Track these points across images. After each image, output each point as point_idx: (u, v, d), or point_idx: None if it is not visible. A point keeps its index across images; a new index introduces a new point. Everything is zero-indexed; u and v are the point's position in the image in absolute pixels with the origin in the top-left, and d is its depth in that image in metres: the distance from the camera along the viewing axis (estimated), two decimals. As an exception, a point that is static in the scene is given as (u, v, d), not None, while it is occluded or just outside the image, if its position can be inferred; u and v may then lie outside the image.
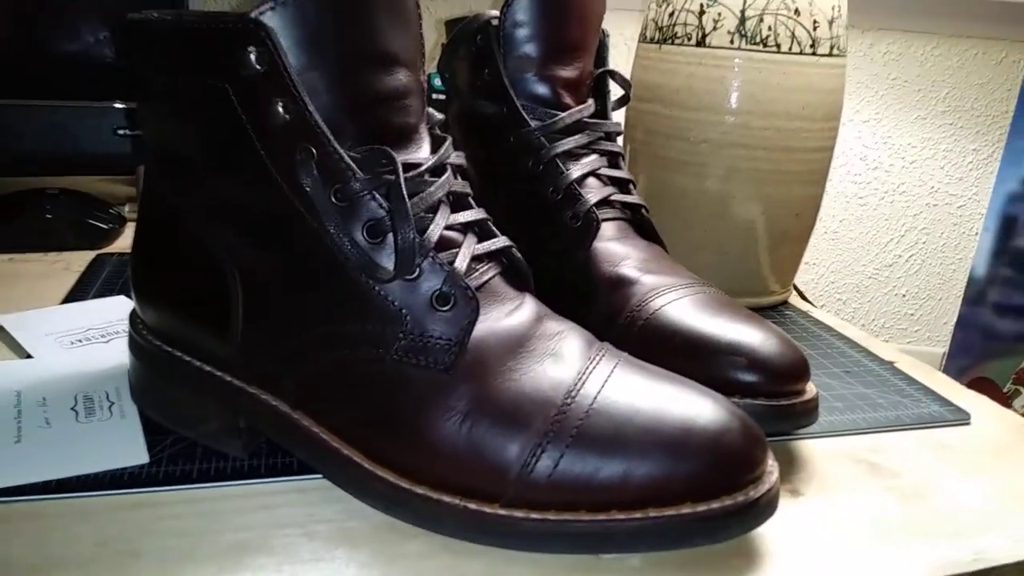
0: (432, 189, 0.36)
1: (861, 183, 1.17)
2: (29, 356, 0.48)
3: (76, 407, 0.42)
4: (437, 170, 0.37)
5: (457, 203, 0.38)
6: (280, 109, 0.33)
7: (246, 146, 0.34)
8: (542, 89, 0.49)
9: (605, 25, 0.53)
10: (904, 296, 1.23)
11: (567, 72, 0.49)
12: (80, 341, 0.50)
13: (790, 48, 0.56)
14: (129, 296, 0.57)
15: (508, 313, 0.37)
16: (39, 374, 0.45)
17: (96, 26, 0.72)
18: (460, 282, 0.35)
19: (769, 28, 0.56)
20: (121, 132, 0.74)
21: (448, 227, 0.37)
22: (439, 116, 0.41)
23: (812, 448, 0.44)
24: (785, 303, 0.67)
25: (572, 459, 0.32)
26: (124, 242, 0.70)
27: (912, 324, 1.25)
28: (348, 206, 0.34)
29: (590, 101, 0.51)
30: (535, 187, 0.48)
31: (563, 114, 0.49)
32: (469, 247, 0.37)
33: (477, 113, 0.49)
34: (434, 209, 0.36)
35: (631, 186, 0.51)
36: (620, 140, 0.54)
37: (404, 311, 0.34)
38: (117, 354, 0.48)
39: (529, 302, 0.38)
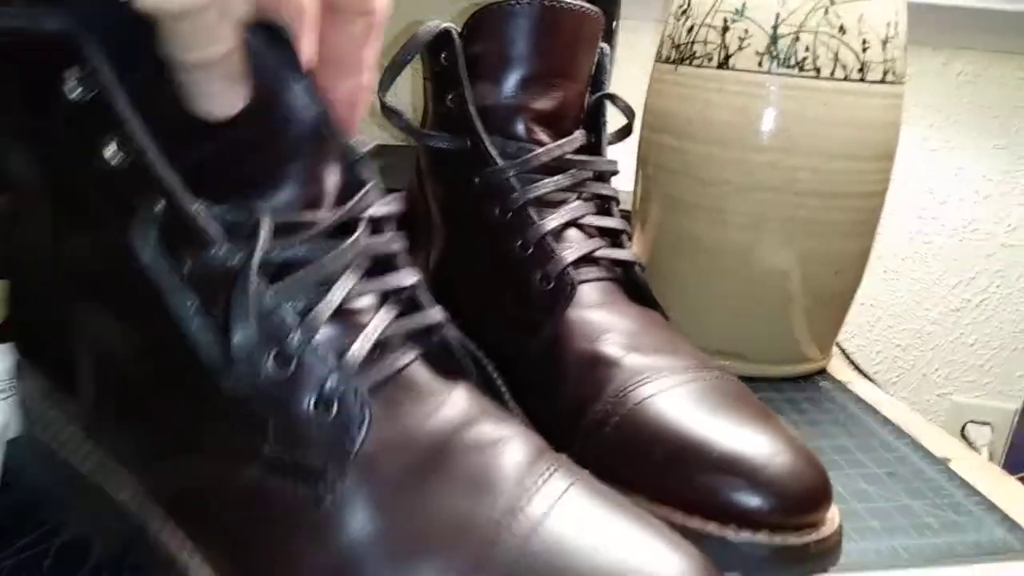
0: (332, 255, 0.27)
1: (926, 219, 1.04)
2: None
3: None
4: (343, 228, 0.28)
5: (378, 265, 0.30)
6: (112, 149, 0.25)
7: (79, 193, 0.27)
8: (512, 123, 0.40)
9: (628, 40, 0.44)
10: (972, 345, 1.10)
11: (544, 103, 0.40)
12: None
13: (832, 73, 0.46)
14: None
15: (425, 417, 0.28)
16: None
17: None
18: (351, 382, 0.26)
19: (807, 48, 0.46)
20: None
21: (352, 301, 0.28)
22: (367, 145, 0.31)
23: (833, 591, 0.34)
24: (823, 371, 0.56)
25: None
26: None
27: (981, 376, 1.12)
28: (201, 284, 0.26)
29: (577, 134, 0.42)
30: (501, 241, 0.40)
31: (540, 150, 0.40)
32: (379, 326, 0.28)
33: (434, 147, 0.41)
34: (332, 281, 0.27)
35: (624, 237, 0.42)
36: (621, 180, 0.45)
37: (269, 420, 0.26)
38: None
39: (459, 398, 0.29)
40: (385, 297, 0.29)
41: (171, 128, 0.25)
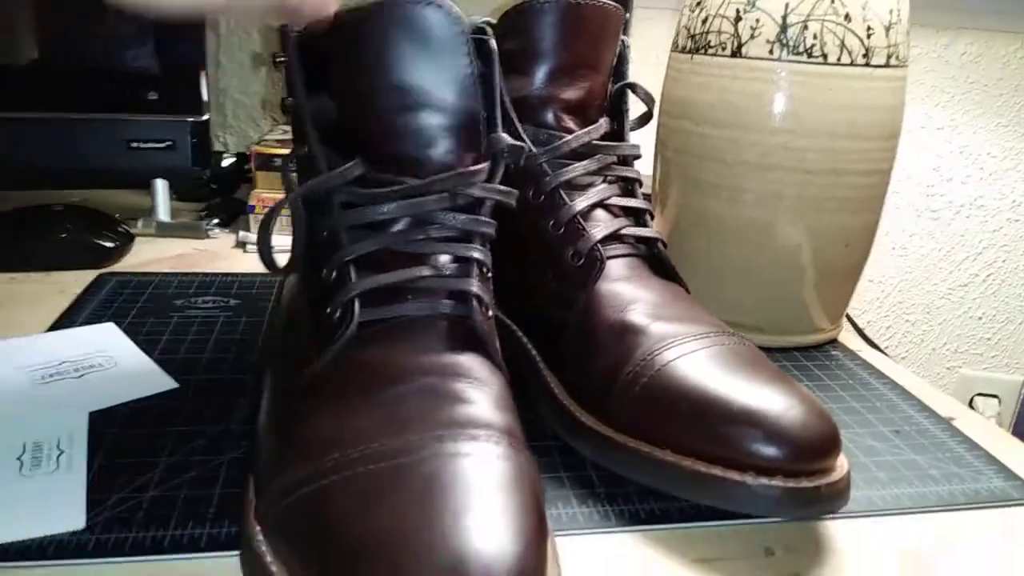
0: (381, 207, 0.35)
1: (934, 195, 1.07)
2: (-5, 392, 0.45)
3: (23, 456, 0.39)
4: (413, 193, 0.35)
5: (457, 236, 0.36)
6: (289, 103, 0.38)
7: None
8: (542, 112, 0.43)
9: (635, 29, 0.47)
10: (980, 319, 1.13)
11: (571, 93, 0.44)
12: (51, 376, 0.47)
13: (839, 59, 0.49)
14: (120, 323, 0.54)
15: (411, 357, 0.32)
16: (-5, 416, 0.42)
17: (109, 37, 0.70)
18: (349, 301, 0.33)
19: (815, 36, 0.49)
20: (135, 145, 0.71)
21: (409, 254, 0.35)
22: (511, 143, 0.37)
23: (842, 533, 0.37)
24: (834, 342, 0.60)
25: (299, 510, 0.28)
26: (131, 260, 0.67)
27: (989, 349, 1.14)
28: (308, 201, 0.37)
29: (602, 121, 0.46)
30: (535, 221, 0.43)
31: (569, 137, 0.43)
32: (407, 275, 0.34)
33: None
34: (378, 228, 0.35)
35: (647, 216, 0.45)
36: (642, 163, 0.48)
37: (310, 311, 0.36)
38: (85, 391, 0.45)
39: (457, 359, 0.33)
40: (445, 260, 0.35)
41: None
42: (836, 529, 0.37)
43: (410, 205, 0.35)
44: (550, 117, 0.44)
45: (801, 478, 0.35)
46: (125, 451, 0.40)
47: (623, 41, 0.47)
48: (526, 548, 0.25)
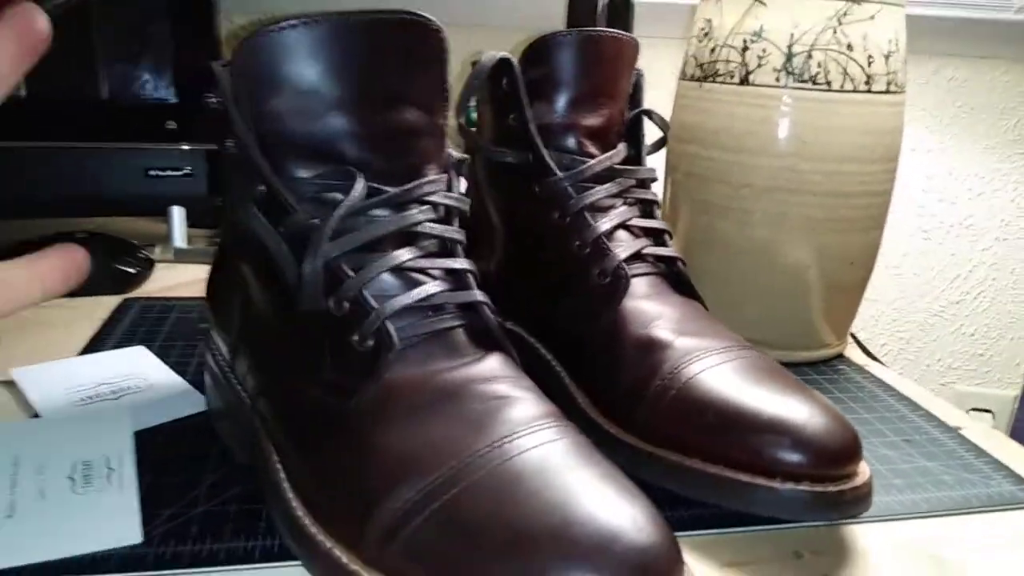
0: (387, 220, 0.35)
1: (925, 215, 1.10)
2: (37, 414, 0.46)
3: (73, 475, 0.40)
4: (405, 204, 0.35)
5: (440, 248, 0.37)
6: (231, 145, 0.36)
7: (224, 176, 0.38)
8: (565, 138, 0.46)
9: (644, 56, 0.49)
10: (972, 335, 1.16)
11: (593, 120, 0.46)
12: (90, 398, 0.48)
13: (842, 86, 0.52)
14: (149, 346, 0.55)
15: (453, 368, 0.34)
16: (41, 437, 0.43)
17: (126, 65, 0.72)
18: (383, 325, 0.33)
19: (819, 65, 0.52)
20: (153, 173, 0.73)
21: (411, 269, 0.35)
22: (457, 156, 0.38)
23: (865, 536, 0.39)
24: (840, 356, 0.62)
25: (431, 532, 0.29)
26: (151, 286, 0.69)
27: (981, 365, 1.17)
28: (290, 237, 0.34)
29: (620, 147, 0.48)
30: (562, 242, 0.45)
31: (592, 161, 0.46)
32: (424, 292, 0.35)
33: (500, 161, 0.46)
34: (385, 245, 0.35)
35: (666, 237, 0.48)
36: (656, 186, 0.50)
37: (328, 346, 0.34)
38: (124, 412, 0.46)
39: (490, 362, 0.35)
40: (440, 274, 0.36)
41: (269, 130, 0.35)
42: (860, 532, 0.39)
43: (401, 219, 0.35)
44: (572, 143, 0.46)
45: (827, 483, 0.37)
46: (170, 468, 0.41)
47: (638, 71, 0.50)
48: (653, 513, 0.29)
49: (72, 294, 0.63)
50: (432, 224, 0.36)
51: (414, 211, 0.35)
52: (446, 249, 0.37)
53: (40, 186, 0.70)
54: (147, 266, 0.69)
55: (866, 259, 0.59)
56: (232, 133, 0.35)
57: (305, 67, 0.33)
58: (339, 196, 0.34)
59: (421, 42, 0.34)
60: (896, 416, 0.52)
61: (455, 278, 0.36)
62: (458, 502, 0.29)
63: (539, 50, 0.45)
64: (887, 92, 0.53)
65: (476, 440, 0.31)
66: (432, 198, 0.36)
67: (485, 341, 0.37)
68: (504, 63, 0.44)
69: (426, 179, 0.36)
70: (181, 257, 0.75)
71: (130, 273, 0.67)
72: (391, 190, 0.35)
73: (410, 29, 0.34)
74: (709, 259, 0.58)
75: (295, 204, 0.34)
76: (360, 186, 0.33)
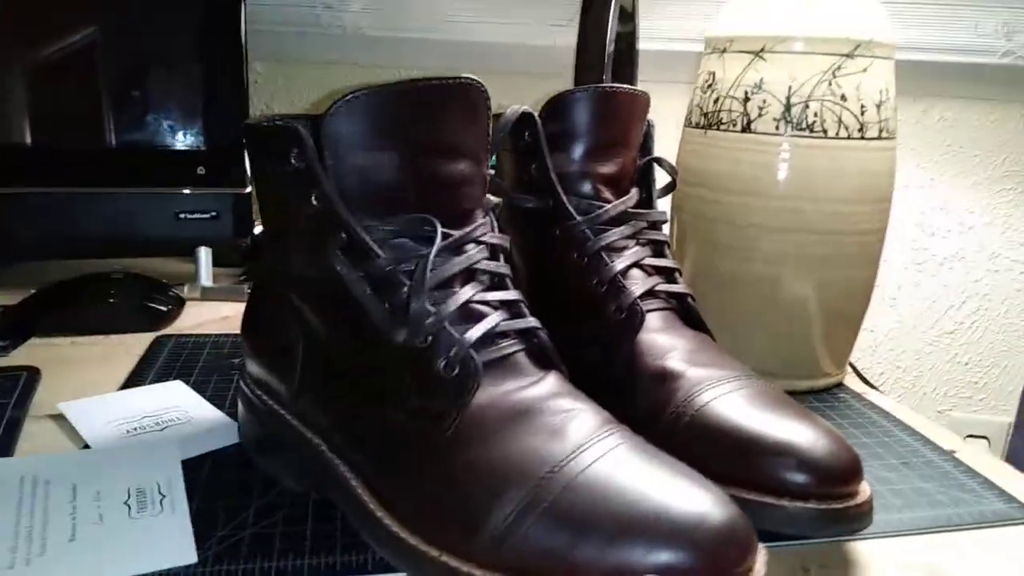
0: (456, 261, 0.39)
1: (918, 249, 1.14)
2: (86, 445, 0.49)
3: (129, 501, 0.43)
4: (463, 246, 0.40)
5: (493, 283, 0.41)
6: (314, 200, 0.38)
7: (301, 227, 0.40)
8: (582, 185, 0.50)
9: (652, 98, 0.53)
10: (967, 364, 1.19)
11: (607, 168, 0.50)
12: (136, 429, 0.51)
13: (837, 133, 0.56)
14: (185, 381, 0.58)
15: (522, 387, 0.38)
16: (95, 466, 0.46)
17: (159, 115, 0.76)
18: (468, 353, 0.37)
19: (815, 114, 0.56)
20: (182, 215, 0.77)
21: (476, 302, 0.39)
22: (495, 201, 0.43)
23: (867, 551, 0.42)
24: (840, 385, 0.65)
25: (541, 530, 0.32)
26: (182, 323, 0.72)
27: (976, 392, 1.20)
28: (373, 282, 0.38)
29: (633, 191, 0.52)
30: (581, 280, 0.49)
31: (608, 206, 0.49)
32: (491, 322, 0.39)
33: (522, 207, 0.50)
34: (454, 283, 0.39)
35: (676, 275, 0.51)
36: (666, 227, 0.54)
37: (412, 376, 0.37)
38: (170, 443, 0.49)
39: (550, 380, 0.40)
40: (498, 305, 0.40)
41: (351, 185, 0.38)
42: (863, 548, 0.42)
43: (467, 259, 0.40)
44: (589, 189, 0.50)
45: (832, 500, 0.40)
46: (218, 494, 0.44)
47: (649, 121, 0.54)
48: (723, 495, 0.34)
49: (108, 331, 0.67)
50: (487, 262, 0.40)
51: (473, 251, 0.40)
52: (497, 283, 0.41)
53: (77, 228, 0.74)
54: (178, 304, 0.73)
55: (862, 293, 0.62)
56: (315, 189, 0.38)
57: (383, 128, 0.38)
58: (408, 241, 0.38)
59: (473, 101, 0.39)
60: (894, 441, 0.55)
61: (510, 308, 0.41)
62: (562, 502, 0.33)
63: (558, 104, 0.49)
64: (879, 138, 0.57)
65: (559, 449, 0.35)
66: (484, 239, 0.40)
67: (543, 361, 0.41)
68: (526, 117, 0.48)
69: (478, 222, 0.41)
70: (208, 295, 0.78)
71: (162, 311, 0.71)
72: (455, 233, 0.39)
73: (465, 91, 0.38)
74: (713, 294, 0.61)
75: (378, 251, 0.38)
76: (440, 233, 0.38)
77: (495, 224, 0.42)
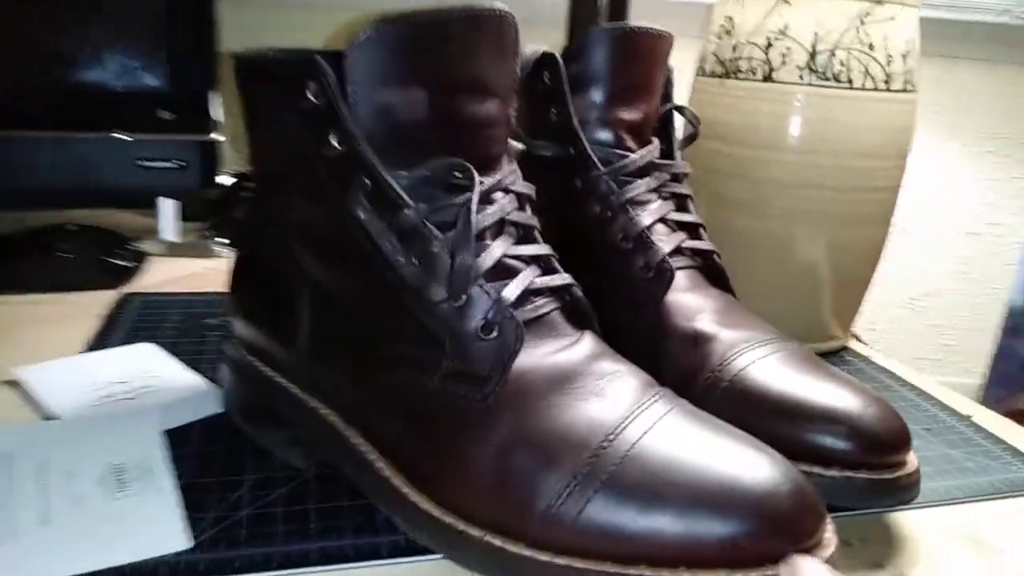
0: (489, 211, 0.35)
1: (897, 211, 1.14)
2: (50, 415, 0.44)
3: (107, 479, 0.38)
4: (491, 194, 0.35)
5: (523, 236, 0.37)
6: (335, 142, 0.34)
7: (314, 173, 0.35)
8: (604, 132, 0.46)
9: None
10: (941, 327, 1.20)
11: (632, 114, 0.46)
12: (107, 397, 0.46)
13: (863, 84, 0.53)
14: (156, 342, 0.53)
15: (561, 349, 0.35)
16: (65, 439, 0.41)
17: (118, 56, 0.69)
18: (507, 312, 0.33)
19: (842, 63, 0.52)
20: (142, 163, 0.70)
21: (508, 257, 0.35)
22: (518, 146, 0.39)
23: (909, 521, 0.40)
24: (845, 348, 0.63)
25: (600, 505, 0.30)
26: (147, 281, 0.66)
27: (949, 355, 1.22)
28: (401, 234, 0.34)
29: (656, 141, 0.48)
30: (603, 235, 0.45)
31: (633, 156, 0.46)
32: (525, 279, 0.35)
33: (539, 155, 0.46)
34: (488, 236, 0.35)
35: (701, 230, 0.48)
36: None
37: (448, 338, 0.33)
38: (149, 412, 0.44)
39: (587, 340, 0.36)
40: (529, 260, 0.36)
41: (378, 125, 0.34)
42: (903, 519, 0.40)
43: (500, 209, 0.35)
44: (610, 137, 0.46)
45: (883, 471, 0.37)
46: (207, 469, 0.40)
47: (669, 67, 0.50)
48: (783, 459, 0.32)
49: (65, 288, 0.61)
50: (517, 212, 0.36)
51: (504, 200, 0.35)
52: (526, 236, 0.37)
53: (26, 177, 0.67)
54: (139, 259, 0.67)
55: (875, 253, 0.60)
56: (336, 130, 0.33)
57: (412, 61, 0.33)
58: (437, 190, 0.34)
59: (505, 35, 0.34)
60: (911, 406, 0.53)
61: (541, 263, 0.37)
62: (623, 475, 0.30)
63: (580, 44, 0.45)
64: (903, 91, 0.54)
65: (610, 417, 0.32)
66: (514, 187, 0.36)
67: (577, 319, 0.37)
68: (547, 57, 0.44)
69: (506, 169, 0.36)
70: (174, 250, 0.72)
71: (122, 266, 0.65)
72: (486, 181, 0.34)
73: (499, 23, 0.34)
74: (725, 253, 0.58)
75: (408, 199, 0.33)
76: (477, 180, 0.33)
77: (519, 171, 0.38)
